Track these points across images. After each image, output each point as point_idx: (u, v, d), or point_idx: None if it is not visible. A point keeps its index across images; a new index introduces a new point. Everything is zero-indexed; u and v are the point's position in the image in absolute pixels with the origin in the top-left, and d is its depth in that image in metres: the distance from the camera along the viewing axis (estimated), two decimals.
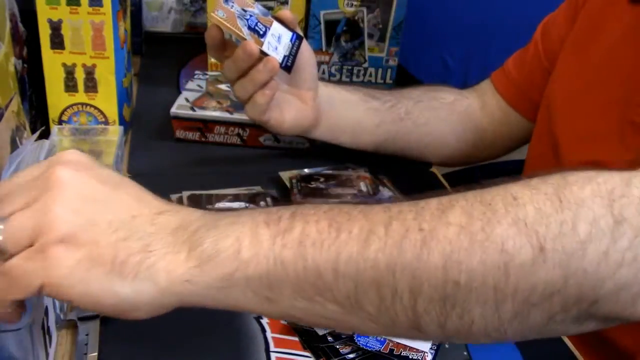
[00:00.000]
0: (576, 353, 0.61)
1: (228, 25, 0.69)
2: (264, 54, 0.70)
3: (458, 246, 0.37)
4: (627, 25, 0.71)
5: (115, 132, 0.86)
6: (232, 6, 0.70)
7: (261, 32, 0.71)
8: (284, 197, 0.78)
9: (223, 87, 1.01)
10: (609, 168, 0.40)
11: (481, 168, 1.18)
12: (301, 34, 0.74)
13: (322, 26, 1.10)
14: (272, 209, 0.43)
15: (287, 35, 0.72)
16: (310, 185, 0.80)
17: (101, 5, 0.80)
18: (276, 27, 0.72)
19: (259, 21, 0.71)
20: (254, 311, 0.43)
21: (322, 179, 0.82)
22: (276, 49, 0.71)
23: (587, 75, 0.75)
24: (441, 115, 0.88)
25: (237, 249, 0.40)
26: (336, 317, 0.40)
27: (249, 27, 0.70)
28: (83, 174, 0.41)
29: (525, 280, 0.37)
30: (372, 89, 0.87)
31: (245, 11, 0.71)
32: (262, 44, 0.70)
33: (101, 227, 0.40)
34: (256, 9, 0.72)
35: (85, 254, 0.39)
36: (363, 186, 0.82)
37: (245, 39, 0.69)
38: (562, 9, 0.84)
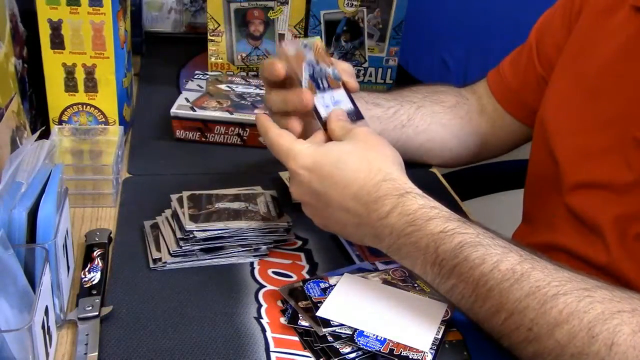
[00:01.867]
0: None
1: (292, 62, 0.68)
2: (315, 111, 0.67)
3: None
4: (631, 36, 0.68)
5: (115, 132, 0.86)
6: (307, 52, 0.68)
7: (321, 87, 0.69)
8: (283, 197, 0.78)
9: (223, 87, 1.01)
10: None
11: (481, 168, 1.18)
12: (363, 114, 0.70)
13: (322, 26, 1.10)
14: (443, 245, 0.57)
15: (347, 104, 0.69)
16: None
17: (101, 5, 0.80)
18: (341, 93, 0.69)
19: (325, 78, 0.69)
20: None
21: None
22: (327, 107, 0.68)
23: (584, 89, 0.73)
24: (442, 121, 0.88)
25: None
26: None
27: (311, 76, 0.68)
28: None
29: None
30: (376, 93, 0.86)
31: (317, 64, 0.69)
32: (315, 95, 0.68)
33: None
34: (330, 70, 0.69)
35: None
36: None
37: (301, 85, 0.67)
38: (557, 14, 0.82)
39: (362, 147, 0.63)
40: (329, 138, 0.66)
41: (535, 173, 0.82)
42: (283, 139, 0.65)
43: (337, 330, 0.57)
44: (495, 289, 0.54)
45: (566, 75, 0.77)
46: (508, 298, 0.54)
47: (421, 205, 0.60)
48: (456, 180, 0.95)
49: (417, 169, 0.93)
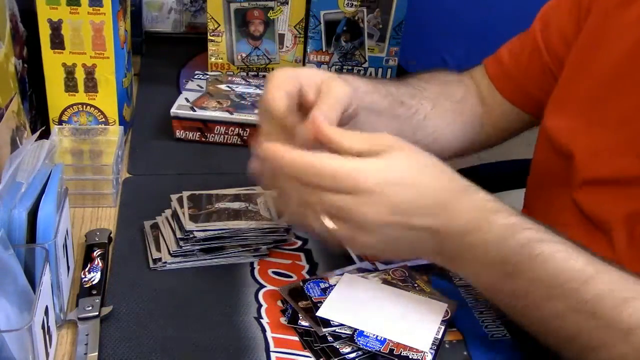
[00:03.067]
0: None
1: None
2: None
3: None
4: None
5: (115, 132, 0.86)
6: None
7: None
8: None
9: (223, 87, 1.01)
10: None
11: (481, 168, 1.18)
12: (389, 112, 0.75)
13: (322, 26, 1.10)
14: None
15: None
16: None
17: (101, 5, 0.80)
18: None
19: None
20: None
21: None
22: None
23: (597, 85, 0.72)
24: (448, 119, 0.86)
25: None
26: None
27: None
28: None
29: None
30: (403, 87, 0.81)
31: None
32: None
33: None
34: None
35: None
36: None
37: None
38: (564, 5, 0.80)
39: (422, 156, 0.60)
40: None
41: (540, 170, 0.82)
42: (330, 160, 0.55)
43: (337, 330, 0.57)
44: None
45: (578, 71, 0.76)
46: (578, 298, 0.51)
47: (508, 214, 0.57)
48: None
49: None
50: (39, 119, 0.88)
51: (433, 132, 0.84)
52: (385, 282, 0.65)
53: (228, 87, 1.01)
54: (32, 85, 0.85)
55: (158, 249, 0.68)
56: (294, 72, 0.65)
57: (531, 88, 0.84)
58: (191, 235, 0.67)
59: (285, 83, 0.63)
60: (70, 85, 0.85)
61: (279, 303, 0.63)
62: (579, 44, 0.76)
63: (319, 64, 1.13)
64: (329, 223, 0.56)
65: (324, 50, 1.12)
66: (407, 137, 0.78)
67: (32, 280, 0.53)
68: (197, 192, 0.73)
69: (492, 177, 1.18)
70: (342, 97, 0.63)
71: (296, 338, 0.59)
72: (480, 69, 0.90)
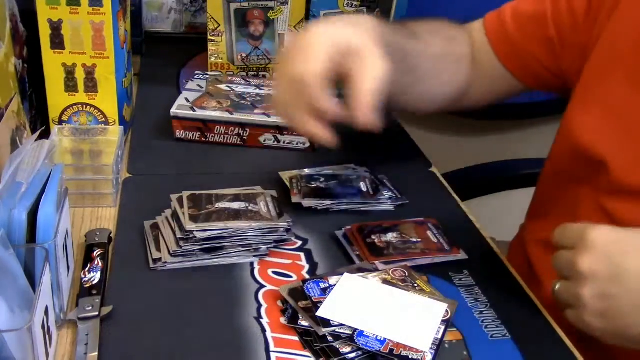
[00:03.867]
0: (576, 353, 0.61)
1: None
2: None
3: None
4: None
5: (115, 132, 0.86)
6: None
7: None
8: (284, 197, 0.78)
9: (223, 87, 1.01)
10: None
11: (481, 168, 1.18)
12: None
13: None
14: None
15: None
16: (310, 185, 0.80)
17: (101, 5, 0.80)
18: None
19: None
20: None
21: (322, 179, 0.82)
22: None
23: (637, 82, 0.68)
24: (442, 79, 0.83)
25: None
26: None
27: None
28: None
29: None
30: (414, 42, 0.78)
31: None
32: None
33: None
34: None
35: None
36: (363, 186, 0.82)
37: None
38: None
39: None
40: None
41: (560, 167, 0.79)
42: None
43: (337, 330, 0.57)
44: None
45: (610, 62, 0.71)
46: None
47: None
48: (456, 180, 0.95)
49: (417, 169, 0.93)
50: (39, 119, 0.88)
51: (426, 91, 0.82)
52: (385, 282, 0.65)
53: (228, 87, 1.01)
54: (32, 85, 0.85)
55: (158, 249, 0.68)
56: (333, 41, 0.64)
57: (529, 57, 0.81)
58: (191, 235, 0.67)
59: (325, 62, 0.63)
60: (70, 85, 0.85)
61: (279, 303, 0.63)
62: (609, 30, 0.72)
63: None
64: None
65: None
66: (403, 82, 0.75)
67: (32, 280, 0.53)
68: (197, 192, 0.73)
69: (492, 177, 1.18)
70: (379, 78, 0.64)
71: (296, 338, 0.59)
72: (479, 25, 0.86)
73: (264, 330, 0.60)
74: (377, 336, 0.57)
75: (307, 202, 0.78)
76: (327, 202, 0.78)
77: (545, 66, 0.80)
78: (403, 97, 0.79)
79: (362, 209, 0.79)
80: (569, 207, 0.76)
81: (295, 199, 0.78)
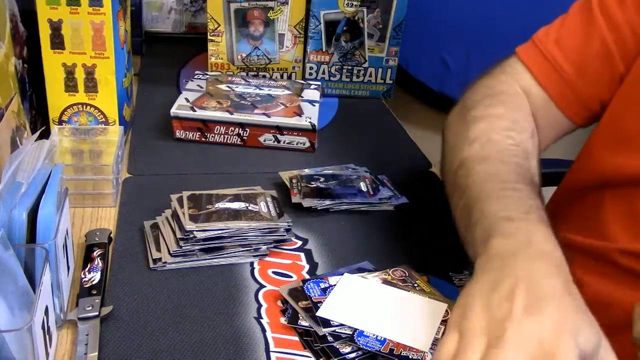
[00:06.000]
0: None
1: None
2: None
3: None
4: None
5: (115, 132, 0.86)
6: None
7: None
8: (284, 197, 0.78)
9: (223, 87, 1.01)
10: None
11: None
12: None
13: (322, 26, 1.10)
14: None
15: None
16: (310, 185, 0.80)
17: (101, 5, 0.80)
18: None
19: None
20: None
21: (322, 179, 0.82)
22: None
23: None
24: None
25: None
26: None
27: None
28: None
29: None
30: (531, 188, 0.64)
31: None
32: None
33: None
34: None
35: None
36: (363, 186, 0.82)
37: None
38: None
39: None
40: None
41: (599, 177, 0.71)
42: None
43: (337, 330, 0.57)
44: None
45: None
46: None
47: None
48: None
49: (417, 169, 0.93)
50: (39, 119, 0.88)
51: None
52: (385, 282, 0.65)
53: (228, 87, 1.01)
54: (32, 85, 0.85)
55: (158, 249, 0.68)
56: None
57: (593, 101, 0.72)
58: (191, 235, 0.67)
59: None
60: (70, 85, 0.85)
61: (279, 303, 0.63)
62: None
63: (319, 64, 1.13)
64: None
65: (324, 50, 1.12)
66: None
67: (32, 280, 0.53)
68: (197, 192, 0.73)
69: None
70: None
71: (296, 338, 0.59)
72: (529, 79, 0.74)
73: (264, 330, 0.60)
74: (377, 336, 0.57)
75: (307, 202, 0.78)
76: (327, 202, 0.78)
77: (604, 103, 0.72)
78: None
79: (362, 208, 0.80)
80: (594, 213, 0.71)
81: (295, 199, 0.78)
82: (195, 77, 1.05)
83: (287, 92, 1.02)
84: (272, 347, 0.58)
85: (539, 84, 0.73)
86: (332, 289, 0.62)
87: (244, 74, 1.12)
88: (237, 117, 0.92)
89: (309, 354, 0.57)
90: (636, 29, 0.67)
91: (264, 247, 0.70)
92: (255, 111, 0.93)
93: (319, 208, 0.78)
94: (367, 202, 0.80)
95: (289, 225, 0.71)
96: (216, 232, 0.67)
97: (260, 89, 1.01)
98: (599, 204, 0.71)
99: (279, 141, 0.93)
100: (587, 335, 0.47)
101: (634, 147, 0.66)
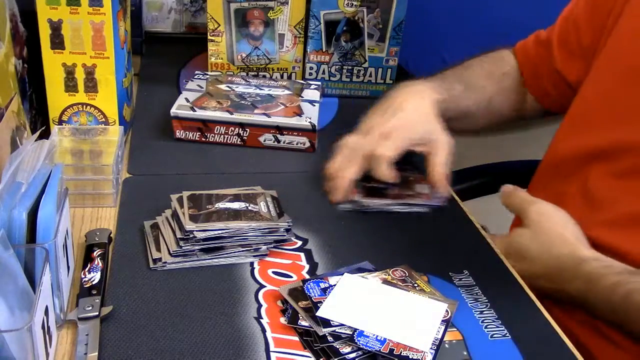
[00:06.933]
0: (576, 353, 0.61)
1: None
2: None
3: None
4: None
5: (115, 132, 0.86)
6: None
7: None
8: (284, 197, 0.78)
9: (223, 87, 1.01)
10: None
11: (481, 168, 1.18)
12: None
13: (322, 26, 1.10)
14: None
15: None
16: (369, 185, 0.80)
17: (101, 5, 0.80)
18: None
19: None
20: None
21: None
22: None
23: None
24: (492, 108, 1.00)
25: None
26: None
27: None
28: None
29: None
30: (473, 93, 0.97)
31: None
32: None
33: None
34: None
35: None
36: (420, 188, 0.82)
37: None
38: (581, 13, 0.88)
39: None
40: None
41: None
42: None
43: (337, 330, 0.57)
44: None
45: (613, 71, 0.80)
46: None
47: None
48: (456, 180, 0.95)
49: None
50: (39, 119, 0.88)
51: (482, 120, 1.00)
52: (385, 282, 0.65)
53: (228, 87, 1.01)
54: (32, 85, 0.85)
55: (158, 249, 0.68)
56: (411, 137, 0.80)
57: (546, 84, 0.94)
58: (191, 235, 0.67)
59: (399, 150, 0.79)
60: (70, 85, 0.85)
61: (279, 303, 0.63)
62: (607, 50, 0.81)
63: (319, 64, 1.13)
64: None
65: (324, 50, 1.12)
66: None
67: (32, 280, 0.53)
68: (197, 192, 0.73)
69: (492, 177, 1.18)
70: (447, 155, 0.81)
71: (296, 338, 0.59)
72: (510, 54, 1.00)
73: (264, 330, 0.60)
74: (377, 336, 0.57)
75: (367, 201, 0.80)
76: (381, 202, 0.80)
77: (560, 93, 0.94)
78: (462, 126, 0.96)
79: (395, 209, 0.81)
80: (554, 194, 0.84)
81: (354, 197, 0.79)
82: (195, 77, 1.05)
83: (287, 92, 1.02)
84: (272, 347, 0.58)
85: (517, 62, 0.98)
86: (332, 289, 0.62)
87: (244, 74, 1.12)
88: (237, 117, 0.92)
89: (309, 354, 0.57)
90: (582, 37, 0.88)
91: (264, 247, 0.70)
92: (255, 111, 0.93)
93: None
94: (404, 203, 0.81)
95: (289, 225, 0.71)
96: (216, 232, 0.67)
97: (260, 89, 1.01)
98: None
99: (279, 141, 0.93)
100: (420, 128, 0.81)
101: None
